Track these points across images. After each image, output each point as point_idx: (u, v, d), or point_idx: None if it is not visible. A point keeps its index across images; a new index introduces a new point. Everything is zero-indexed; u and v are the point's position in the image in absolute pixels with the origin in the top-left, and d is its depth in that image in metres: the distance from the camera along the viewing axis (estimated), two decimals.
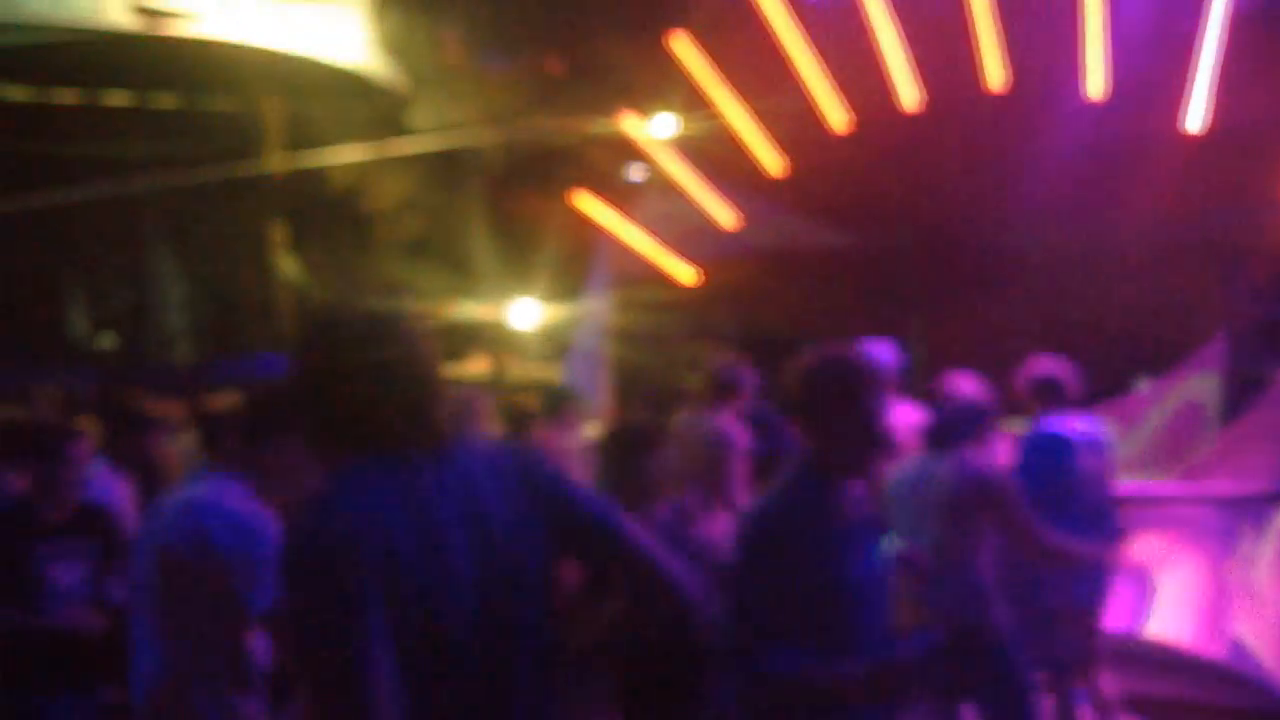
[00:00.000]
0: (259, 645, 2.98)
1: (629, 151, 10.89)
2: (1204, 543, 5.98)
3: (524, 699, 1.87)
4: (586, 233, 10.62)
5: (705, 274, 10.40)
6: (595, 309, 10.53)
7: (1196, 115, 8.41)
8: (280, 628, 2.83)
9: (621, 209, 10.47)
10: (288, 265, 14.59)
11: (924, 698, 2.26)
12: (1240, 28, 8.23)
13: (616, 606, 2.68)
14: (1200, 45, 8.31)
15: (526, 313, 11.82)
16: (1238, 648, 5.45)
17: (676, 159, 10.29)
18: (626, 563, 1.97)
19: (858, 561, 2.37)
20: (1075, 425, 4.84)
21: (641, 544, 1.98)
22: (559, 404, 5.44)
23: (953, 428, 4.09)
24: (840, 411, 2.40)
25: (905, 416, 4.65)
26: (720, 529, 3.78)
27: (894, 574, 2.49)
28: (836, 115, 9.38)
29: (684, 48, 9.65)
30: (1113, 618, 5.21)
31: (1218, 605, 5.73)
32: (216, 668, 2.92)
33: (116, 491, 4.60)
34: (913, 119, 9.16)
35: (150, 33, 10.95)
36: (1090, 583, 4.79)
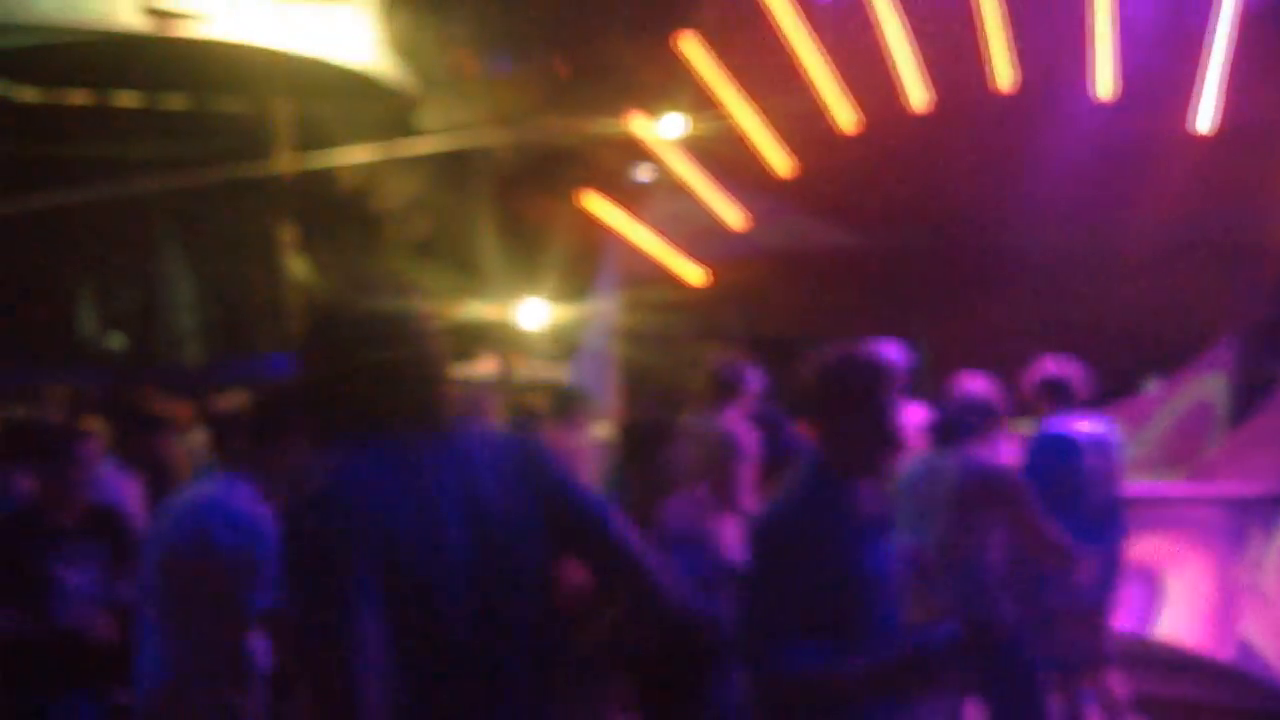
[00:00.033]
0: (259, 645, 2.99)
1: (637, 152, 10.90)
2: (1212, 544, 5.96)
3: (518, 686, 1.88)
4: (595, 233, 10.63)
5: (713, 274, 10.40)
6: (603, 309, 10.53)
7: (1205, 115, 8.39)
8: (280, 627, 2.83)
9: (630, 209, 10.47)
10: (296, 265, 14.62)
11: (941, 690, 2.25)
12: (1249, 27, 8.21)
13: (619, 608, 2.69)
14: (1209, 45, 8.29)
15: (534, 313, 11.84)
16: (1245, 649, 5.44)
17: (685, 159, 10.30)
18: (616, 564, 1.99)
19: (871, 559, 2.37)
20: (1082, 426, 4.84)
21: (633, 547, 1.99)
22: (567, 404, 5.44)
23: (958, 424, 4.09)
24: (854, 411, 2.40)
25: (912, 416, 4.65)
26: (727, 530, 3.78)
27: (904, 571, 2.50)
28: (845, 116, 9.37)
29: (692, 48, 9.65)
30: (1121, 618, 5.20)
31: (1225, 606, 5.71)
32: (217, 668, 2.93)
33: (125, 491, 4.62)
34: (921, 119, 9.16)
35: (160, 34, 11.00)
36: (1097, 583, 4.78)
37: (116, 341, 17.21)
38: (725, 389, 4.77)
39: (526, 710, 1.90)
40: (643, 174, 11.83)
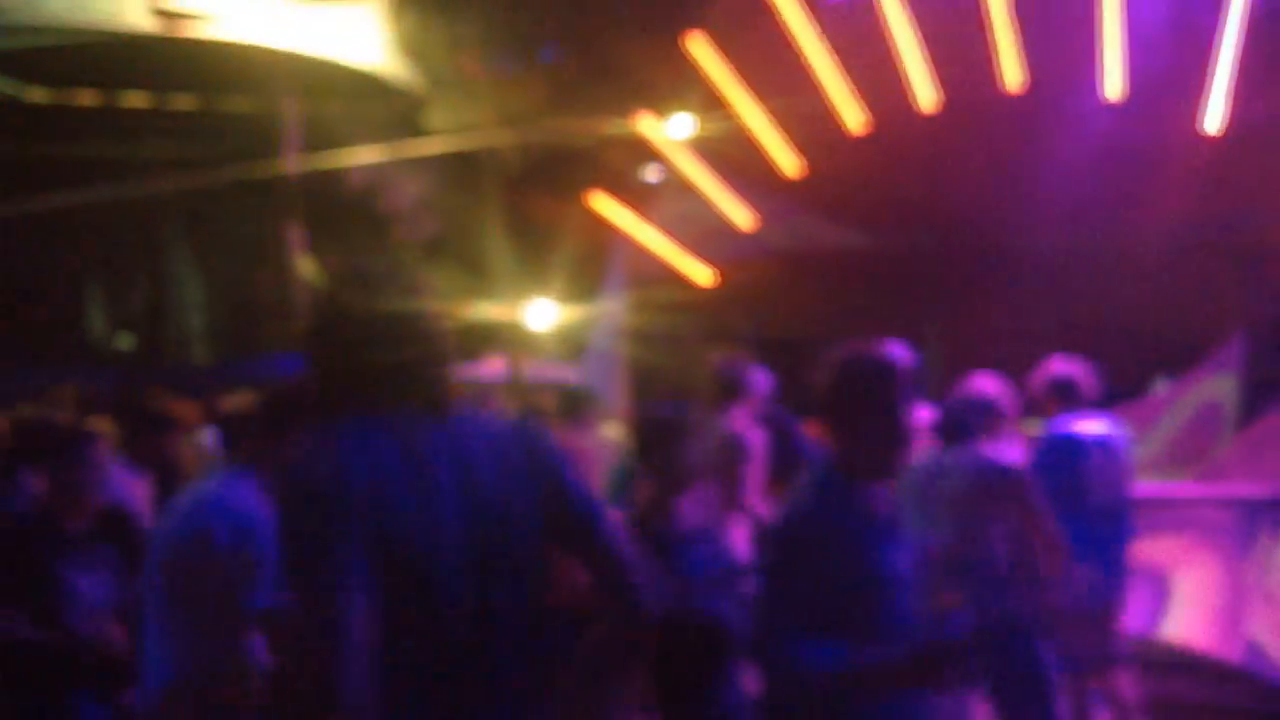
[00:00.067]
0: (258, 645, 2.99)
1: (645, 152, 10.91)
2: (1221, 544, 5.94)
3: (510, 670, 1.89)
4: (603, 233, 10.63)
5: (721, 275, 10.40)
6: (611, 309, 10.54)
7: (1214, 115, 8.37)
8: (276, 626, 2.83)
9: (638, 210, 10.48)
10: (304, 266, 14.66)
11: (958, 682, 2.25)
12: (1258, 27, 8.19)
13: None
14: (1218, 45, 8.27)
15: (542, 313, 11.85)
16: (1254, 649, 5.43)
17: (693, 160, 10.30)
18: (600, 562, 2.01)
19: (886, 560, 2.38)
20: (1089, 427, 4.83)
21: (620, 549, 2.01)
22: (575, 404, 5.46)
23: (962, 421, 4.09)
24: (868, 412, 2.41)
25: (918, 416, 4.65)
26: (734, 529, 3.78)
27: (920, 569, 2.50)
28: (853, 116, 9.37)
29: (700, 48, 9.65)
30: (1129, 619, 5.19)
31: (1234, 607, 5.70)
32: (217, 667, 2.93)
33: (133, 490, 4.63)
34: (930, 120, 9.15)
35: (168, 34, 11.04)
36: (1105, 584, 4.77)
37: (125, 341, 17.26)
38: (729, 390, 4.77)
39: (518, 695, 1.90)
40: (651, 174, 11.84)
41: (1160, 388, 8.47)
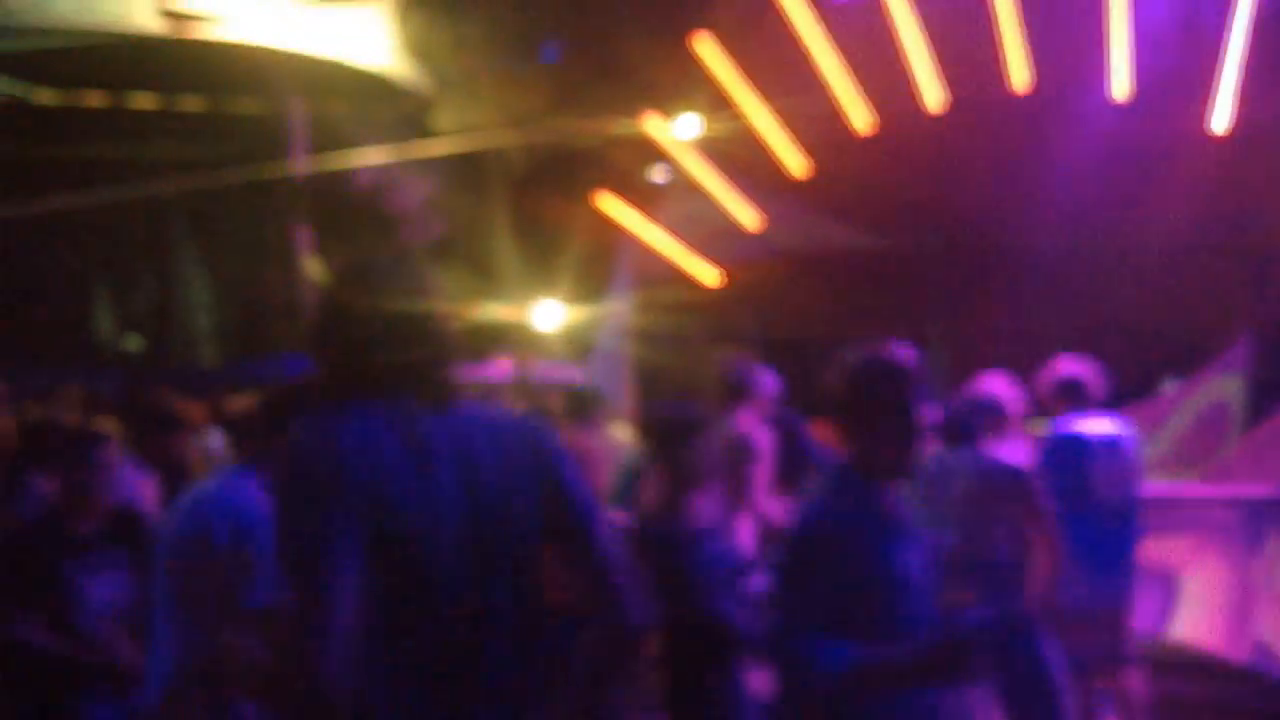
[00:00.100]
0: (256, 641, 3.00)
1: (652, 153, 10.90)
2: (1228, 545, 5.93)
3: (503, 661, 1.89)
4: (609, 234, 10.64)
5: (728, 275, 10.40)
6: (618, 310, 10.55)
7: (1222, 115, 8.35)
8: (273, 622, 2.84)
9: (644, 210, 10.48)
10: (311, 266, 14.68)
11: (973, 676, 2.25)
12: (1265, 27, 8.17)
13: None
14: (1225, 45, 8.26)
15: (549, 314, 11.86)
16: (1262, 649, 5.42)
17: (699, 160, 10.30)
18: (590, 566, 2.00)
19: (902, 560, 2.39)
20: (1095, 426, 4.82)
21: (609, 556, 2.00)
22: (583, 405, 5.46)
23: (966, 422, 4.09)
24: (880, 415, 2.41)
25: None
26: (742, 527, 3.79)
27: (933, 570, 2.51)
28: (860, 116, 9.36)
29: (707, 49, 9.65)
30: (1137, 619, 5.19)
31: (1242, 607, 5.69)
32: (217, 663, 2.95)
33: (141, 490, 4.64)
34: (936, 120, 9.14)
35: (175, 36, 11.06)
36: (1114, 584, 4.77)
37: (133, 343, 17.30)
38: (736, 391, 4.78)
39: (515, 693, 1.90)
40: (657, 175, 11.83)
41: (1169, 387, 8.46)
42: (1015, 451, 4.32)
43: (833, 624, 2.29)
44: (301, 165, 13.65)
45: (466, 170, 13.05)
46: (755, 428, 4.47)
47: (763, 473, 4.35)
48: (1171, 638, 5.78)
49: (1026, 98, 8.87)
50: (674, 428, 3.23)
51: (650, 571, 3.23)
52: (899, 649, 2.27)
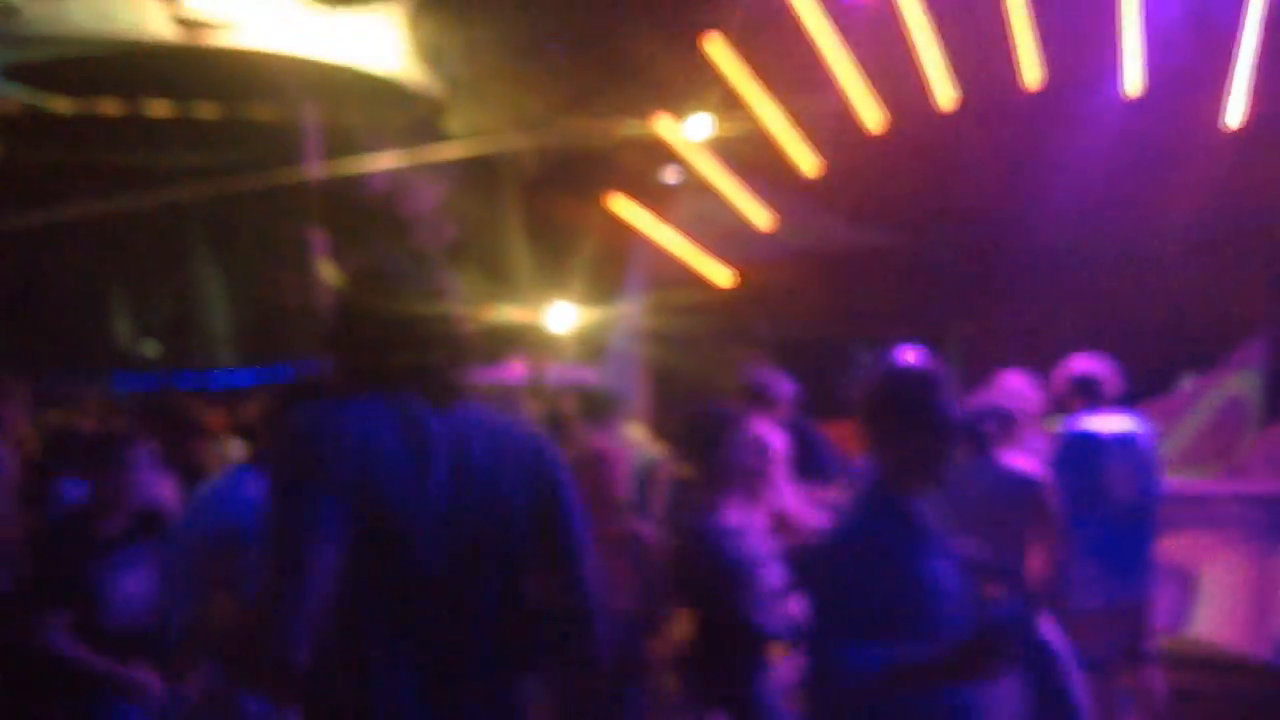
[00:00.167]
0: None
1: (663, 153, 10.91)
2: (1247, 541, 5.92)
3: (484, 659, 1.91)
4: (621, 235, 10.65)
5: (740, 276, 10.40)
6: (631, 311, 10.57)
7: (1235, 110, 8.31)
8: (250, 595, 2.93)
9: (656, 211, 10.49)
10: (327, 270, 14.74)
11: (1009, 668, 2.27)
12: (1278, 19, 8.13)
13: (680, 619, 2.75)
14: (1239, 37, 8.22)
15: (563, 316, 11.88)
16: None
17: (711, 160, 10.30)
18: (565, 589, 2.01)
19: (934, 569, 2.40)
20: (1110, 423, 4.82)
21: (588, 581, 2.02)
22: (597, 406, 5.48)
23: (977, 429, 4.08)
24: (912, 425, 2.42)
25: None
26: (757, 528, 3.81)
27: (971, 579, 2.51)
28: (872, 115, 9.35)
29: (718, 49, 9.65)
30: (1156, 616, 5.18)
31: (1261, 603, 5.68)
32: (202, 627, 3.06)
33: (163, 492, 4.69)
34: (949, 118, 9.12)
35: (190, 43, 11.12)
36: (1131, 581, 4.76)
37: (151, 348, 17.42)
38: (757, 398, 4.81)
39: (492, 692, 1.92)
40: (669, 176, 11.83)
41: (1185, 384, 8.42)
42: (1029, 457, 4.31)
43: (866, 631, 2.31)
44: (315, 170, 13.69)
45: (479, 173, 13.09)
46: (769, 431, 4.49)
47: (778, 474, 4.36)
48: (1190, 634, 5.77)
49: (1039, 95, 8.85)
50: (704, 429, 3.27)
51: (682, 570, 3.26)
52: (930, 648, 2.28)
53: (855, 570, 2.35)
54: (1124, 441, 4.81)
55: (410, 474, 1.85)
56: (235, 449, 6.22)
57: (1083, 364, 4.96)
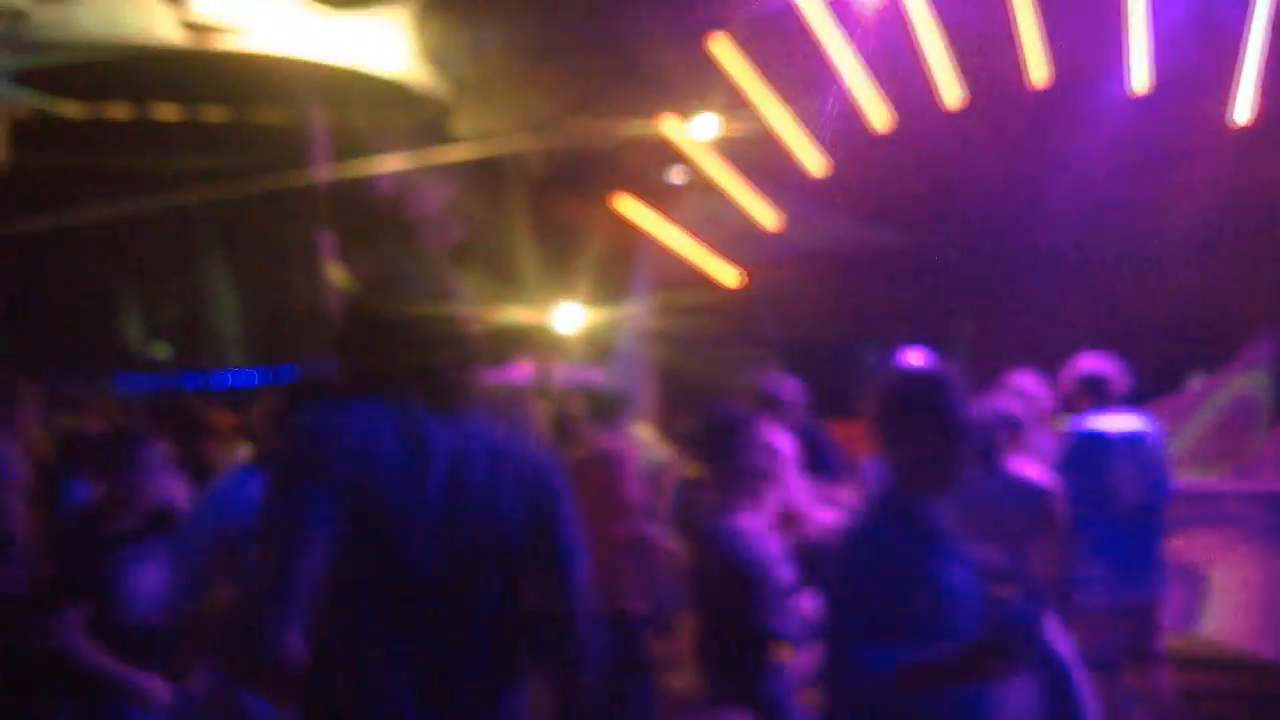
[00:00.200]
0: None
1: (669, 154, 10.92)
2: (1256, 540, 5.91)
3: (475, 652, 1.92)
4: (628, 236, 10.66)
5: (747, 276, 10.40)
6: (638, 312, 10.57)
7: (1243, 107, 8.30)
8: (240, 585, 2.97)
9: (663, 212, 10.50)
10: (335, 272, 14.77)
11: (1023, 667, 2.28)
12: None
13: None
14: (1246, 34, 8.20)
15: (570, 316, 11.89)
16: None
17: (717, 160, 10.30)
18: (555, 604, 2.02)
19: (948, 573, 2.40)
20: (1117, 423, 4.81)
21: (579, 598, 2.02)
22: (605, 406, 5.49)
23: (985, 438, 4.08)
24: (925, 428, 2.42)
25: None
26: (767, 529, 3.82)
27: (984, 582, 2.51)
28: (878, 114, 9.35)
29: (724, 49, 9.65)
30: (1165, 616, 5.17)
31: (1271, 603, 5.66)
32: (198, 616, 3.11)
33: (174, 491, 4.72)
34: (955, 117, 9.11)
35: (198, 48, 11.16)
36: (1140, 580, 4.75)
37: (161, 350, 17.49)
38: (768, 405, 4.82)
39: (481, 698, 1.93)
40: (675, 176, 11.84)
41: (1196, 382, 8.41)
42: (1037, 464, 4.30)
43: (880, 632, 2.31)
44: (323, 173, 13.72)
45: (485, 174, 13.10)
46: (778, 435, 4.50)
47: (788, 472, 4.37)
48: (1199, 634, 5.76)
49: (1046, 93, 8.83)
50: (718, 431, 3.29)
51: (696, 572, 3.28)
52: (943, 648, 2.29)
53: (869, 572, 2.36)
54: (1132, 441, 4.80)
55: (409, 476, 1.88)
56: (243, 451, 6.24)
57: (1091, 363, 4.95)
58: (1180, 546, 5.42)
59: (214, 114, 13.94)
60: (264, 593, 1.76)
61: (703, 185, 10.60)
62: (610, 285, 11.41)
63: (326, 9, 11.75)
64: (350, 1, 11.77)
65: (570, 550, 2.03)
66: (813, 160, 9.77)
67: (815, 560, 3.58)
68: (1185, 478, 6.16)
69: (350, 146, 13.16)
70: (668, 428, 7.47)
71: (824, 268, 10.19)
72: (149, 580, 3.53)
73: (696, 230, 10.41)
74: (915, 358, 2.38)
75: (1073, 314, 8.99)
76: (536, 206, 13.58)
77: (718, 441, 3.27)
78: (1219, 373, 7.62)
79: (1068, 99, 8.83)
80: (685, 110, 10.27)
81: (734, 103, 9.88)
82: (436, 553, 1.88)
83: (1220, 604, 5.87)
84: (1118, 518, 4.62)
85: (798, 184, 9.87)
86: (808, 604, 3.19)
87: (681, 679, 4.39)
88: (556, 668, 2.02)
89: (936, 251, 10.12)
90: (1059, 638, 3.98)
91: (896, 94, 9.30)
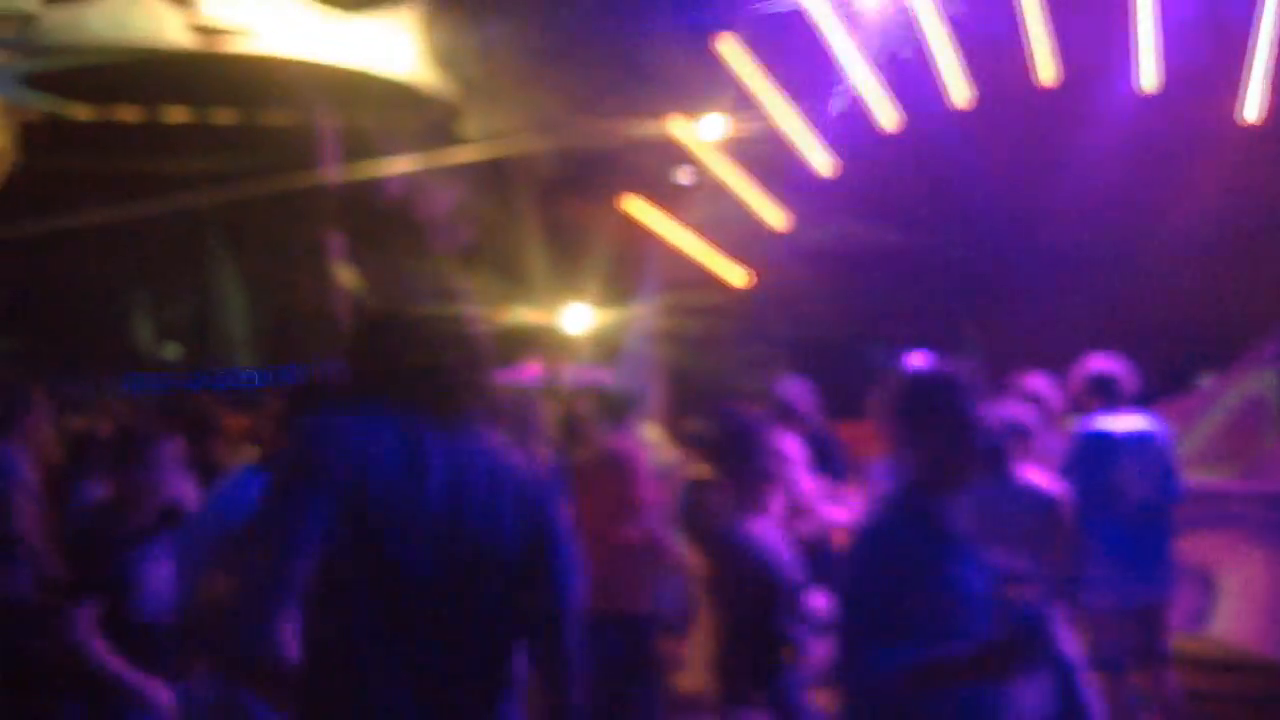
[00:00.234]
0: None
1: (678, 154, 10.92)
2: (1266, 541, 5.89)
3: (469, 673, 1.93)
4: (636, 237, 10.67)
5: (755, 276, 10.41)
6: (646, 312, 10.58)
7: (1253, 104, 8.27)
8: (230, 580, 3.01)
9: (671, 212, 10.51)
10: (344, 274, 14.81)
11: (1035, 665, 2.28)
12: None
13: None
14: (1255, 31, 8.18)
15: (578, 317, 11.91)
16: None
17: (725, 161, 10.30)
18: (545, 621, 2.02)
19: (962, 574, 2.40)
20: (1124, 423, 4.80)
21: (570, 615, 2.02)
22: (615, 407, 5.49)
23: (993, 447, 4.07)
24: (938, 428, 2.42)
25: None
26: (778, 529, 3.83)
27: (999, 585, 2.51)
28: (887, 114, 9.34)
29: (732, 49, 9.65)
30: (1174, 616, 5.16)
31: (1279, 603, 5.65)
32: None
33: (183, 490, 4.74)
34: (964, 116, 9.10)
35: (207, 50, 11.20)
36: (1148, 581, 4.75)
37: (171, 351, 17.56)
38: (783, 414, 4.83)
39: (475, 707, 1.94)
40: (684, 177, 11.84)
41: (1204, 382, 8.39)
42: (1044, 471, 4.28)
43: (894, 632, 2.32)
44: (332, 174, 13.76)
45: (494, 176, 13.12)
46: (788, 439, 4.51)
47: (796, 470, 4.38)
48: (1208, 634, 5.74)
49: (1054, 93, 8.82)
50: (734, 435, 3.30)
51: (711, 574, 3.29)
52: (956, 648, 2.30)
53: (883, 571, 2.36)
54: (1140, 441, 4.79)
55: (407, 480, 1.89)
56: (250, 452, 6.27)
57: (1099, 363, 4.95)
58: (1188, 547, 5.41)
59: (222, 116, 13.99)
60: (253, 590, 1.78)
61: (711, 186, 10.60)
62: (619, 286, 11.42)
63: (335, 11, 11.78)
64: (358, 4, 11.80)
65: (565, 568, 2.04)
66: (821, 160, 9.76)
67: (816, 556, 3.60)
68: (1194, 478, 6.14)
69: (358, 148, 13.20)
70: (676, 428, 7.47)
71: (832, 268, 10.19)
72: (160, 579, 3.55)
73: (705, 231, 10.42)
74: (927, 358, 2.38)
75: (1081, 313, 8.97)
76: (545, 207, 13.60)
77: (732, 445, 3.28)
78: (1229, 373, 7.60)
79: (1076, 98, 8.82)
80: (693, 111, 10.28)
81: (742, 103, 9.89)
82: (434, 556, 1.89)
83: (1228, 605, 5.85)
84: (1125, 518, 4.62)
85: (806, 184, 9.87)
86: (819, 601, 3.20)
87: (690, 680, 4.39)
88: (543, 681, 2.02)
89: (945, 251, 10.10)
90: (1065, 637, 3.97)
91: (904, 94, 9.29)
